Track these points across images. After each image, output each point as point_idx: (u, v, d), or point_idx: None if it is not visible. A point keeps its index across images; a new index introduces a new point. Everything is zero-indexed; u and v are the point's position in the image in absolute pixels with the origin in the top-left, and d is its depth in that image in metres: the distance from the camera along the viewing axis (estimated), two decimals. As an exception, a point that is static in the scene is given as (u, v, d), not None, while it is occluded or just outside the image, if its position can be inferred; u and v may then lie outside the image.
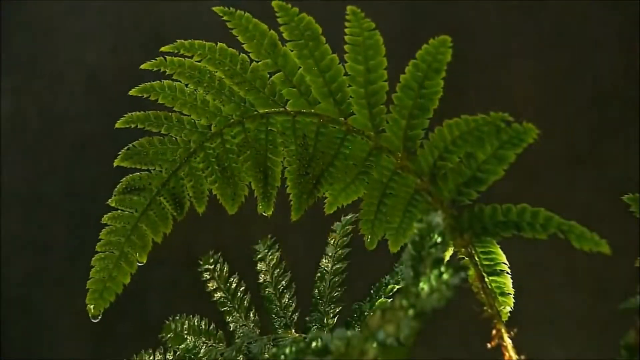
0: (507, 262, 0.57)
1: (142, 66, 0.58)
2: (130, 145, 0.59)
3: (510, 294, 0.57)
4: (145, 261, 0.59)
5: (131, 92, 0.59)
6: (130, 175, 0.60)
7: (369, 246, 0.59)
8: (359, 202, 0.59)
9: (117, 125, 0.59)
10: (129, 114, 0.59)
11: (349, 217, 0.71)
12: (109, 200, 0.59)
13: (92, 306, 0.58)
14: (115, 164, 0.59)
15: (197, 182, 0.60)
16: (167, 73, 0.58)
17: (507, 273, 0.57)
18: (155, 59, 0.58)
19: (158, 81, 0.59)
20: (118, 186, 0.59)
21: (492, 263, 0.56)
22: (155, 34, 1.86)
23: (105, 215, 0.59)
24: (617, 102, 1.73)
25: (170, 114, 0.60)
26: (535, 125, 0.50)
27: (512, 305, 0.57)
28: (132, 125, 0.59)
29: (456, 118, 0.52)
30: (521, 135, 0.50)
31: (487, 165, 0.52)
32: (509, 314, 0.57)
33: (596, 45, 1.74)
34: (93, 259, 0.59)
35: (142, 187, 0.59)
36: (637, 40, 1.70)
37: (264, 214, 0.60)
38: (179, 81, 0.59)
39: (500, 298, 0.57)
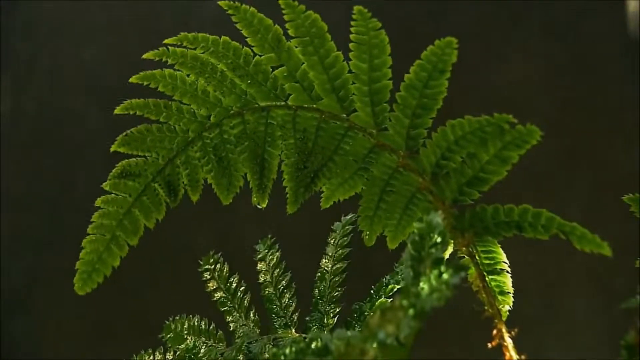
0: (507, 262, 0.57)
1: (145, 55, 0.58)
2: (128, 131, 0.59)
3: (509, 292, 0.57)
4: (136, 244, 0.59)
5: (132, 80, 0.59)
6: (127, 160, 0.60)
7: (368, 243, 0.59)
8: (359, 201, 0.59)
9: (116, 112, 0.59)
10: (128, 100, 0.59)
11: (349, 217, 0.71)
12: (104, 183, 0.59)
13: (79, 285, 0.58)
14: (112, 150, 0.59)
15: (192, 170, 0.60)
16: (168, 63, 0.58)
17: (507, 272, 0.57)
18: (158, 49, 0.58)
19: (159, 69, 0.59)
20: (113, 170, 0.59)
21: (492, 262, 0.56)
22: (156, 34, 1.86)
23: (98, 199, 0.59)
24: (617, 102, 1.73)
25: (170, 102, 0.60)
26: (534, 125, 0.50)
27: (511, 304, 0.57)
28: (132, 112, 0.59)
29: (459, 118, 0.52)
30: (525, 137, 0.50)
31: (490, 165, 0.52)
32: (509, 314, 0.57)
33: (596, 44, 1.74)
34: (84, 240, 0.59)
35: (137, 172, 0.59)
36: (637, 39, 1.70)
37: (258, 206, 0.60)
38: (181, 71, 0.59)
39: (499, 297, 0.57)
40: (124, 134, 0.59)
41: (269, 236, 0.73)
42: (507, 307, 0.57)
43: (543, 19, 1.77)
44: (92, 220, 0.59)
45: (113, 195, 0.59)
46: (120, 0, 1.90)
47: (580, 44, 1.75)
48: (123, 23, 1.91)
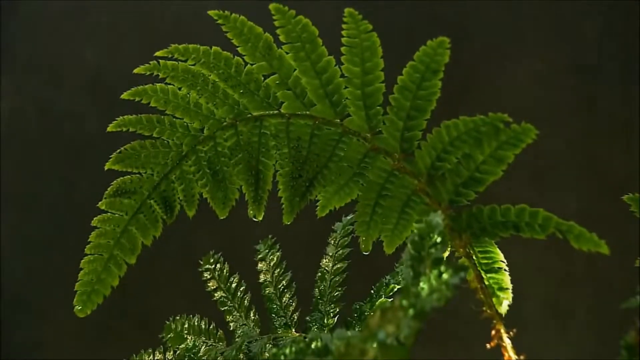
0: (505, 261, 0.57)
1: (136, 70, 0.58)
2: (122, 148, 0.59)
3: (508, 288, 0.57)
4: (134, 262, 0.59)
5: (123, 96, 0.59)
6: (121, 178, 0.59)
7: (364, 249, 0.58)
8: (355, 205, 0.59)
9: (109, 129, 0.59)
10: (121, 117, 0.59)
11: (350, 217, 0.71)
12: (99, 203, 0.59)
13: (79, 307, 0.58)
14: (106, 167, 0.59)
15: (187, 185, 0.60)
16: (160, 77, 0.58)
17: (505, 270, 0.57)
18: (150, 63, 0.58)
19: (150, 84, 0.59)
20: (109, 189, 0.59)
21: (490, 261, 0.56)
22: (155, 34, 1.86)
23: (95, 218, 0.59)
24: (617, 102, 1.73)
25: (162, 117, 0.59)
26: (534, 126, 0.50)
27: (510, 299, 0.57)
28: (124, 129, 0.59)
29: (454, 119, 0.52)
30: (520, 136, 0.50)
31: (486, 165, 0.52)
32: (508, 314, 0.57)
33: (596, 44, 1.74)
34: (82, 261, 0.58)
35: (133, 190, 0.59)
36: (637, 39, 1.70)
37: (254, 218, 0.60)
38: (173, 84, 0.59)
39: (499, 293, 0.57)
40: (118, 151, 0.59)
41: (270, 236, 0.73)
42: (506, 303, 0.57)
43: (544, 18, 1.77)
44: (89, 240, 0.59)
45: (109, 214, 0.59)
46: (120, 0, 1.90)
47: (581, 43, 1.75)
48: (123, 23, 1.91)
